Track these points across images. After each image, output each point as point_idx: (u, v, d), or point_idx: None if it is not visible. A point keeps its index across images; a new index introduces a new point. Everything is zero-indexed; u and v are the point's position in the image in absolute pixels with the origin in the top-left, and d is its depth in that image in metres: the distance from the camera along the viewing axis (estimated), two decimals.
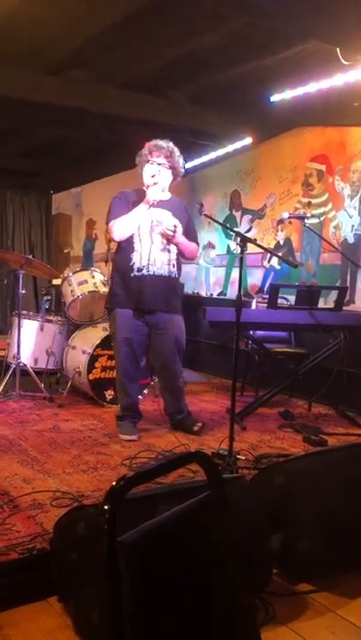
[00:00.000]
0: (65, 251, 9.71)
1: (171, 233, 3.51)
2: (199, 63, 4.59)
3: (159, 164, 3.56)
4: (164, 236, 3.53)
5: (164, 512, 1.53)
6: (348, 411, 4.29)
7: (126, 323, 3.57)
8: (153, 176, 3.54)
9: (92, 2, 3.64)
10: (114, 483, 1.26)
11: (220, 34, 4.02)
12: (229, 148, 5.96)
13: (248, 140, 5.73)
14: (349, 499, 2.24)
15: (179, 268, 3.67)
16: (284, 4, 3.29)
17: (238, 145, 5.85)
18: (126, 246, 3.56)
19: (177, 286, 3.70)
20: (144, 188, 3.61)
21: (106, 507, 1.21)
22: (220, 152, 6.13)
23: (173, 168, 3.61)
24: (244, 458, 3.15)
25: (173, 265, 3.61)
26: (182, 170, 3.68)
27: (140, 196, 3.58)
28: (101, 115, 5.19)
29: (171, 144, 3.60)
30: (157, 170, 3.56)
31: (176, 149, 3.61)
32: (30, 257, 4.74)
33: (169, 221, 3.56)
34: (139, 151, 3.65)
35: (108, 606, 1.13)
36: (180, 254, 3.66)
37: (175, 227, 3.52)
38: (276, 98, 4.77)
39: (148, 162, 3.58)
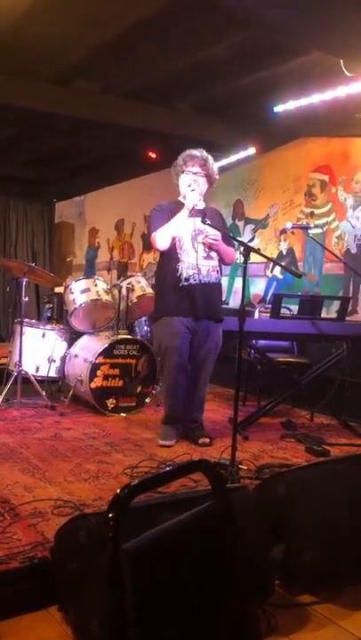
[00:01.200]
0: (67, 259, 9.73)
1: (215, 242, 3.55)
2: (204, 74, 4.62)
3: (195, 174, 3.61)
4: (207, 244, 3.57)
5: (165, 521, 1.52)
6: (351, 421, 4.27)
7: (177, 331, 3.58)
8: (189, 185, 3.59)
9: (99, 12, 3.67)
10: (118, 491, 1.25)
11: (224, 45, 4.06)
12: (233, 158, 5.98)
13: (252, 151, 5.76)
14: (352, 509, 2.23)
15: (221, 274, 3.72)
16: (289, 16, 3.31)
17: (242, 155, 5.87)
18: (170, 257, 3.60)
19: (221, 292, 3.77)
20: (180, 199, 3.66)
21: (110, 514, 1.20)
22: (224, 162, 6.14)
23: (208, 176, 3.66)
24: (246, 468, 3.14)
25: (217, 271, 3.66)
26: (217, 177, 3.74)
27: (177, 205, 3.63)
28: (106, 124, 5.21)
29: (204, 152, 3.66)
30: (193, 179, 3.61)
31: (210, 157, 3.67)
32: (33, 265, 4.75)
33: (210, 230, 3.57)
34: (171, 162, 3.70)
35: (111, 614, 1.13)
36: (221, 260, 3.70)
37: (216, 235, 3.55)
38: (279, 108, 4.80)
39: (183, 172, 3.63)
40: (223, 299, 3.83)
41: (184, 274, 3.55)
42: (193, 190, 3.57)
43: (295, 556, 2.10)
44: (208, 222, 3.40)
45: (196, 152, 3.63)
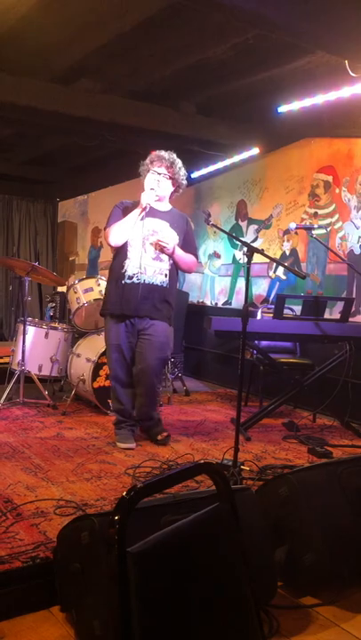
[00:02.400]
0: (70, 258, 9.73)
1: (166, 245, 3.53)
2: (207, 74, 4.61)
3: (159, 174, 3.60)
4: (157, 246, 3.55)
5: (168, 522, 1.52)
6: (354, 422, 4.26)
7: (116, 329, 3.60)
8: (152, 187, 3.58)
9: (101, 11, 3.66)
10: (124, 493, 1.25)
11: (228, 45, 4.05)
12: (236, 158, 5.98)
13: (255, 151, 5.75)
14: (355, 511, 2.22)
15: (172, 278, 3.66)
16: (293, 16, 3.30)
17: (245, 155, 5.86)
18: (120, 254, 3.61)
19: (168, 296, 3.67)
20: None
21: (116, 517, 1.20)
22: (227, 162, 6.15)
23: (173, 179, 3.64)
24: (248, 469, 3.13)
25: (166, 275, 3.61)
26: (184, 182, 3.71)
27: (138, 205, 3.61)
28: (109, 124, 5.21)
29: (173, 155, 3.64)
30: (157, 179, 3.60)
31: (178, 161, 3.65)
32: (36, 264, 4.75)
33: (165, 233, 3.58)
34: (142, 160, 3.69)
35: (116, 617, 1.12)
36: (176, 266, 3.68)
37: (169, 241, 3.54)
38: (283, 109, 4.79)
39: (148, 171, 3.63)
40: (172, 301, 3.72)
41: (129, 271, 3.54)
42: (152, 189, 3.56)
43: (298, 557, 2.10)
44: (212, 222, 3.38)
45: (164, 153, 3.62)
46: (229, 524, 1.50)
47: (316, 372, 4.28)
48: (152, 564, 1.22)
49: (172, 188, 3.67)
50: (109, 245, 3.65)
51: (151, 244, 3.55)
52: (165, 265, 3.61)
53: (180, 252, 3.62)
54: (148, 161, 3.65)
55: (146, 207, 3.52)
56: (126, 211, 3.62)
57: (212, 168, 6.35)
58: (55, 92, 4.79)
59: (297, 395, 4.34)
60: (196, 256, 3.83)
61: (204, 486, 2.75)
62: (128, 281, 3.54)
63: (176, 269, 3.71)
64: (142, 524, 1.44)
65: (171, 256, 3.60)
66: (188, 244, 3.72)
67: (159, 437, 3.69)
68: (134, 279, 3.53)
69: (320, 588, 2.11)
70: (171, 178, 3.62)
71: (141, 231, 3.55)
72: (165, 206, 3.67)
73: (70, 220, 9.76)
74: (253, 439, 3.87)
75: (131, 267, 3.55)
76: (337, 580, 2.11)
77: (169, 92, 5.03)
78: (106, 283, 3.83)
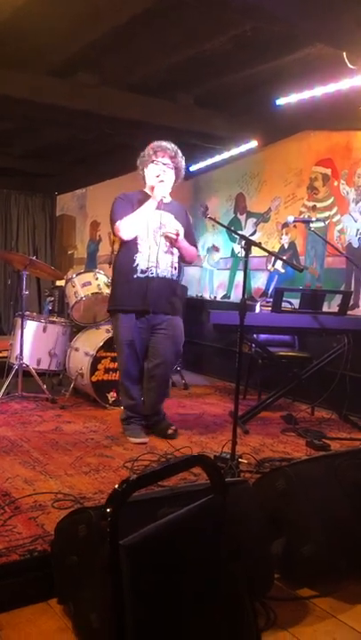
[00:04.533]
0: (69, 252, 9.72)
1: (174, 236, 3.52)
2: (205, 66, 4.59)
3: (164, 164, 3.56)
4: (167, 238, 3.53)
5: (165, 515, 1.52)
6: (352, 415, 4.27)
7: (129, 325, 3.55)
8: (158, 176, 3.54)
9: (98, 4, 3.64)
10: (116, 485, 1.25)
11: (226, 37, 4.03)
12: (235, 151, 5.96)
13: (254, 144, 5.73)
14: (352, 503, 2.23)
15: (179, 271, 3.67)
16: (291, 8, 3.28)
17: (244, 148, 5.85)
18: (130, 248, 3.54)
19: (178, 288, 3.70)
20: (145, 190, 3.61)
21: (108, 510, 1.20)
22: (226, 155, 6.13)
23: (177, 169, 3.61)
24: (246, 461, 3.14)
25: (175, 267, 3.61)
26: (184, 172, 3.68)
27: (143, 196, 3.58)
28: (107, 117, 5.19)
29: (174, 145, 3.60)
30: (162, 170, 3.55)
31: (179, 150, 3.61)
32: (34, 258, 4.74)
33: (172, 225, 3.56)
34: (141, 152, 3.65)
35: (110, 609, 1.13)
36: (181, 257, 3.67)
37: (177, 231, 3.53)
38: (282, 101, 4.77)
39: (152, 162, 3.56)
40: (181, 294, 3.71)
41: (141, 265, 3.50)
42: (162, 182, 3.51)
43: (295, 549, 2.11)
44: (210, 215, 3.38)
45: (166, 144, 3.57)
46: (223, 517, 1.51)
47: (314, 366, 4.29)
48: (144, 557, 1.23)
49: (174, 179, 3.63)
50: (121, 239, 3.57)
51: (161, 236, 3.52)
52: (175, 258, 3.60)
53: (185, 244, 3.62)
54: (150, 152, 3.57)
55: (161, 200, 3.49)
56: (132, 202, 3.57)
57: (210, 161, 6.34)
58: (52, 85, 4.77)
59: (295, 388, 4.35)
60: (196, 247, 3.83)
61: (201, 479, 2.76)
62: (141, 275, 3.50)
63: (181, 262, 3.70)
64: (139, 516, 1.45)
65: (179, 248, 3.58)
66: (189, 235, 3.70)
67: (169, 431, 3.67)
68: (148, 273, 3.50)
69: (317, 579, 2.12)
70: (175, 168, 3.59)
71: (154, 224, 3.52)
72: (168, 198, 3.63)
73: (69, 214, 9.74)
74: (252, 432, 3.88)
75: (143, 261, 3.50)
76: (334, 571, 2.12)
77: (167, 84, 5.01)
78: (111, 278, 3.81)
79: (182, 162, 3.63)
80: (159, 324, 3.57)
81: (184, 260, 3.72)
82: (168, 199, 3.60)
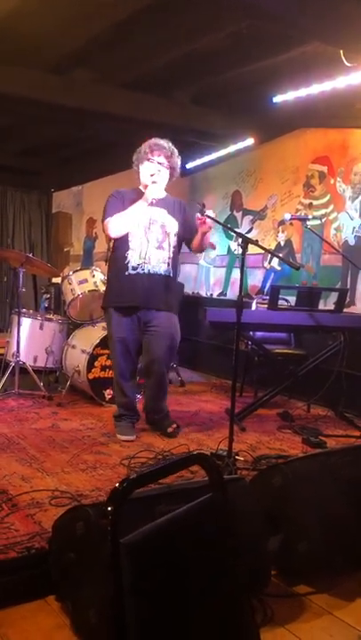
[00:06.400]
0: (65, 249, 9.71)
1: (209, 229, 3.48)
2: (202, 64, 4.58)
3: (159, 163, 3.55)
4: (206, 229, 3.46)
5: (163, 512, 1.53)
6: (348, 412, 4.29)
7: (121, 322, 3.56)
8: (152, 175, 3.53)
9: (94, 1, 3.63)
10: (117, 484, 1.25)
11: (222, 34, 4.02)
12: (231, 148, 5.96)
13: (250, 141, 5.73)
14: (348, 500, 2.24)
15: (174, 267, 3.65)
16: (288, 6, 3.28)
17: (240, 145, 5.85)
18: (121, 245, 3.55)
19: (172, 285, 3.67)
20: (140, 188, 3.60)
21: (109, 508, 1.21)
22: (222, 152, 6.13)
23: (172, 168, 3.60)
24: (242, 459, 3.15)
25: (168, 263, 3.59)
26: (179, 170, 3.68)
27: (137, 195, 3.56)
28: (103, 114, 5.18)
29: (171, 144, 3.58)
30: (157, 169, 3.54)
31: (176, 150, 3.60)
32: (30, 255, 4.73)
33: (166, 220, 3.54)
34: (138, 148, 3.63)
35: (109, 606, 1.13)
36: (199, 246, 3.62)
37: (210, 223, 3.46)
38: (278, 99, 4.77)
39: (148, 160, 3.55)
40: (176, 290, 3.69)
41: (132, 262, 3.50)
42: (154, 182, 3.50)
43: (292, 546, 2.12)
44: (207, 213, 3.35)
45: (162, 142, 3.55)
46: (222, 514, 1.51)
47: (310, 363, 4.29)
48: (145, 555, 1.23)
49: (169, 177, 3.62)
50: (110, 237, 3.58)
51: (203, 231, 3.46)
52: (167, 253, 3.58)
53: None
54: (146, 149, 3.55)
55: (152, 202, 3.48)
56: (124, 199, 3.56)
57: (206, 158, 6.34)
58: (49, 82, 4.76)
59: (291, 385, 4.36)
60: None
61: (198, 476, 2.77)
62: (132, 272, 3.50)
63: (177, 258, 3.68)
64: (137, 514, 1.45)
65: (203, 240, 3.54)
66: (191, 226, 3.59)
67: (170, 430, 3.67)
68: (139, 270, 3.50)
69: (314, 576, 2.13)
70: (170, 167, 3.57)
71: (144, 221, 3.52)
72: (163, 193, 3.62)
73: (65, 211, 9.72)
74: (248, 429, 3.89)
75: (134, 257, 3.50)
76: (331, 568, 2.13)
77: (163, 82, 5.00)
78: (106, 275, 3.80)
79: (178, 161, 3.61)
80: (151, 321, 3.56)
81: (201, 249, 3.70)
82: (162, 194, 3.58)
